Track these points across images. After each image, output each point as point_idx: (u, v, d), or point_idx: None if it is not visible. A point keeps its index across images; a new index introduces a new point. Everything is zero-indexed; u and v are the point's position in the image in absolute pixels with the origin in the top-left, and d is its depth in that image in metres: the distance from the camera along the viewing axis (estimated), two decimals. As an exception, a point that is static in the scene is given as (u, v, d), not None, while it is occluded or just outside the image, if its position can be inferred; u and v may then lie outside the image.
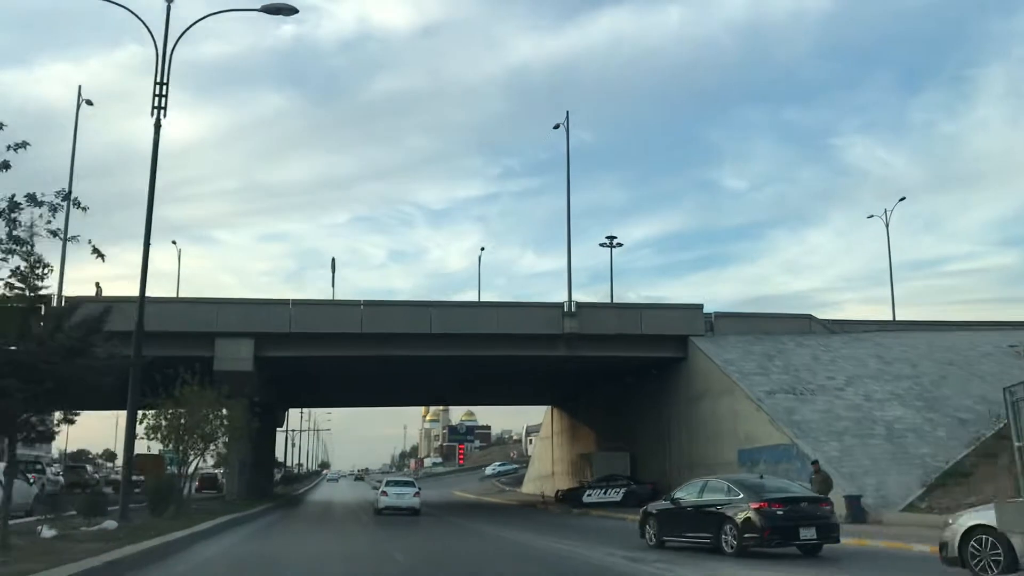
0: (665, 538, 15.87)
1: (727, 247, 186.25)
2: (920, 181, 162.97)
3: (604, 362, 35.65)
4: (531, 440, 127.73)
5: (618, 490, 34.49)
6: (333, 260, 34.14)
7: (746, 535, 13.84)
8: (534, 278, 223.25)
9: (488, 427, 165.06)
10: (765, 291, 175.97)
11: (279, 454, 74.42)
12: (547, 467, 54.68)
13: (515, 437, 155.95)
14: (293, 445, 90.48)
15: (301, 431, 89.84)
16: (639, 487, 34.12)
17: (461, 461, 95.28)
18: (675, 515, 15.82)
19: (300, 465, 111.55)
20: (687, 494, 15.92)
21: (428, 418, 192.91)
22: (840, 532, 14.54)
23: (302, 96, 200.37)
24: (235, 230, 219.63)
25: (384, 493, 29.50)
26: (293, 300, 32.03)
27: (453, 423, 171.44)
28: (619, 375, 38.76)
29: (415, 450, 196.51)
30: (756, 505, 13.93)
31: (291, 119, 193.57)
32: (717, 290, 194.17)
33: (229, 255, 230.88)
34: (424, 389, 48.86)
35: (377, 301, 33.04)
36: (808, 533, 13.82)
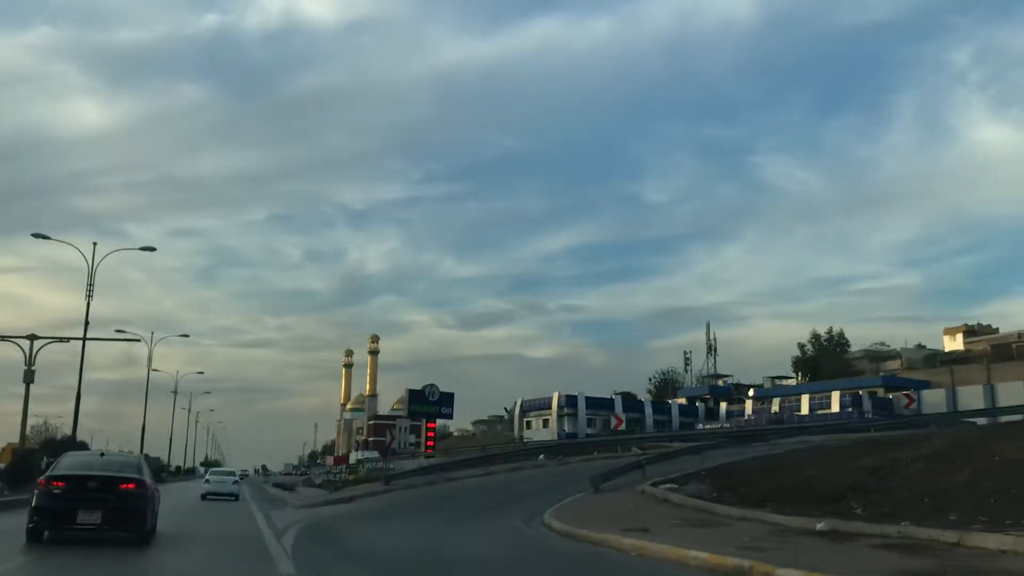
0: None
1: (645, 259, 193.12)
2: (833, 201, 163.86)
3: None
4: (528, 422, 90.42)
5: None
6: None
7: (32, 518, 13.05)
8: (454, 284, 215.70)
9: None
10: (678, 303, 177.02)
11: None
12: None
13: (455, 432, 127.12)
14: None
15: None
16: None
17: (430, 448, 62.97)
18: None
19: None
20: None
21: (349, 407, 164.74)
22: (145, 520, 13.25)
23: (221, 88, 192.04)
24: (146, 224, 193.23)
25: (207, 481, 36.28)
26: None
27: (382, 412, 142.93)
28: None
29: (329, 448, 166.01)
30: (40, 483, 13.23)
31: (210, 112, 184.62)
32: (632, 301, 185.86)
33: (139, 253, 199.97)
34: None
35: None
36: (89, 517, 12.64)
